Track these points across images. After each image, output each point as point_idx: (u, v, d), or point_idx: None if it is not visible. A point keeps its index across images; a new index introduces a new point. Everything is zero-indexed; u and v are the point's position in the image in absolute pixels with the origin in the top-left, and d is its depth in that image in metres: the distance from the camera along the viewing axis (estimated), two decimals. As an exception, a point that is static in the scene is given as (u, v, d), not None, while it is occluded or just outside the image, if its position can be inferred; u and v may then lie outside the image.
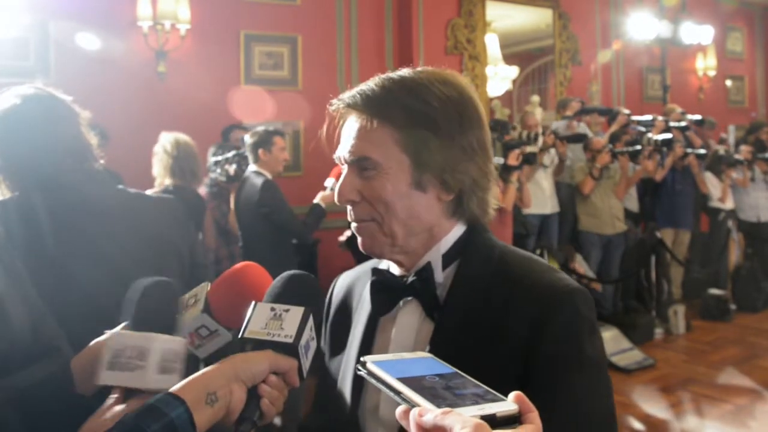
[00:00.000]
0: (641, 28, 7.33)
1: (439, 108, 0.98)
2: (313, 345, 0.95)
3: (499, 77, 6.80)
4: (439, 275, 1.02)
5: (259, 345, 0.89)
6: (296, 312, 0.90)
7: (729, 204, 6.52)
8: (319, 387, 1.18)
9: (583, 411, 0.91)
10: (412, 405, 0.66)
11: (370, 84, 1.01)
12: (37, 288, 1.18)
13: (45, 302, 1.18)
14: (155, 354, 0.94)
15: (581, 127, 5.90)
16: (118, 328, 1.03)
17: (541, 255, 4.96)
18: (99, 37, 4.52)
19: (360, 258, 1.23)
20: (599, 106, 6.54)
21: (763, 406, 4.25)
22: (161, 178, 3.63)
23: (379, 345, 1.06)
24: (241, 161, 3.94)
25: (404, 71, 1.03)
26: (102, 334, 1.04)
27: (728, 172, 6.39)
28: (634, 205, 6.14)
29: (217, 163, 4.13)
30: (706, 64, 8.34)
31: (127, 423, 0.77)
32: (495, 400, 0.67)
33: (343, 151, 1.02)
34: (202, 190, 4.13)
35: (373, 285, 1.05)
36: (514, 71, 6.97)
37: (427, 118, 0.97)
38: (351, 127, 1.01)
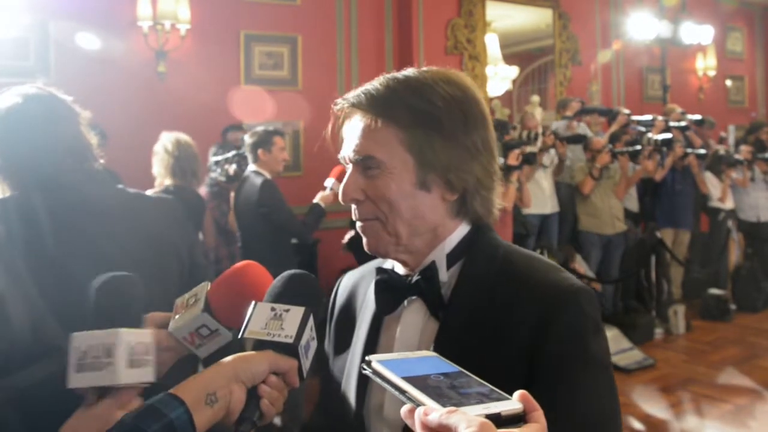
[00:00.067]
0: (641, 28, 7.33)
1: (444, 108, 0.98)
2: (314, 345, 0.94)
3: (499, 77, 6.80)
4: (444, 274, 1.01)
5: (259, 345, 0.89)
6: (296, 312, 0.90)
7: (729, 204, 6.52)
8: (323, 386, 1.18)
9: (587, 410, 0.91)
10: (418, 404, 0.66)
11: (375, 84, 1.01)
12: (37, 288, 1.18)
13: (45, 302, 1.18)
14: (122, 349, 0.92)
15: (581, 127, 5.90)
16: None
17: (541, 255, 4.95)
18: (99, 37, 4.52)
19: (362, 260, 1.23)
20: (599, 106, 6.54)
21: (763, 406, 4.25)
22: (161, 178, 3.63)
23: (383, 344, 1.06)
24: (241, 161, 3.94)
25: (409, 71, 1.03)
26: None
27: (728, 172, 6.40)
28: (634, 205, 6.14)
29: (217, 163, 4.13)
30: (706, 64, 8.34)
31: (127, 423, 0.76)
32: (500, 399, 0.67)
33: (347, 151, 1.02)
34: (203, 190, 4.13)
35: (377, 284, 1.05)
36: (514, 71, 6.97)
37: (431, 118, 0.97)
38: (356, 126, 1.01)
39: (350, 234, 4.16)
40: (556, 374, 0.91)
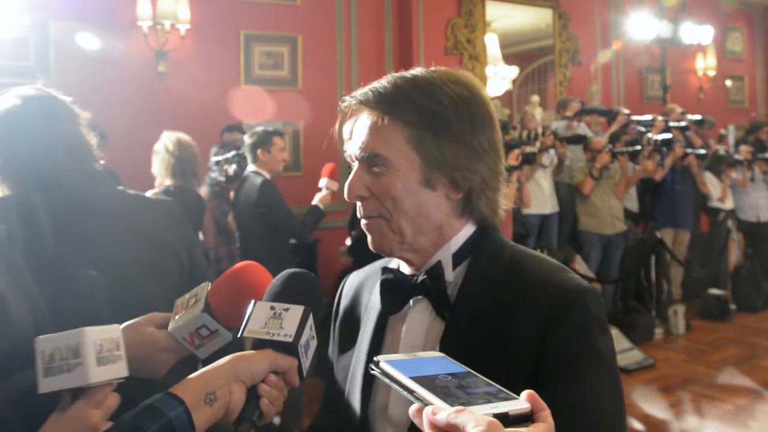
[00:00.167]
0: (641, 28, 7.33)
1: (451, 107, 0.98)
2: (313, 344, 0.94)
3: (499, 77, 6.81)
4: (450, 274, 1.01)
5: (259, 344, 0.89)
6: (296, 311, 0.90)
7: (729, 204, 6.52)
8: (328, 386, 1.18)
9: (594, 410, 0.91)
10: (426, 404, 0.66)
11: (383, 82, 1.01)
12: (37, 288, 1.18)
13: (45, 302, 1.18)
14: (89, 347, 0.89)
15: (581, 128, 5.90)
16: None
17: (542, 255, 4.94)
18: (99, 37, 4.52)
19: (362, 266, 1.23)
20: (599, 107, 6.54)
21: (763, 406, 4.25)
22: (161, 178, 3.62)
23: (388, 344, 1.06)
24: (241, 161, 3.94)
25: (417, 70, 1.03)
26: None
27: (728, 172, 6.40)
28: (634, 205, 6.14)
29: (217, 163, 4.13)
30: (706, 64, 8.34)
31: (126, 423, 0.76)
32: (507, 398, 0.67)
33: (353, 148, 1.02)
34: (203, 190, 4.13)
35: (383, 284, 1.05)
36: (514, 71, 6.97)
37: (438, 117, 0.98)
38: (362, 123, 1.01)
39: (349, 241, 4.17)
40: (562, 374, 0.91)
